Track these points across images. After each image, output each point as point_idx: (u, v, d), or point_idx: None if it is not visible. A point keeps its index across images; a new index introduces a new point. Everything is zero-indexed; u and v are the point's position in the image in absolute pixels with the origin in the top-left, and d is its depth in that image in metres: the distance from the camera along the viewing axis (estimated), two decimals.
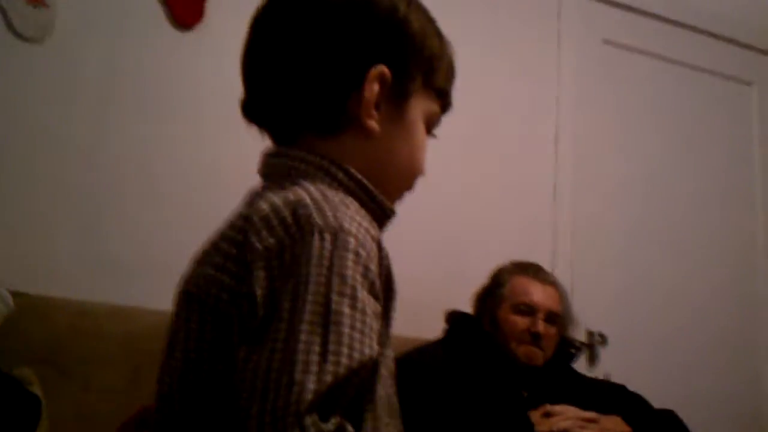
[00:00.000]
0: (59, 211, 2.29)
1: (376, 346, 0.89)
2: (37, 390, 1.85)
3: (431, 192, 2.65)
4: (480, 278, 2.36)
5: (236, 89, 1.08)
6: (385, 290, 0.95)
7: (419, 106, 1.07)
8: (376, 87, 1.01)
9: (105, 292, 2.22)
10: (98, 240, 2.31)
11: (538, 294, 2.22)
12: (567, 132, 2.99)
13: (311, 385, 0.82)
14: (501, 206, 2.84)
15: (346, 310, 0.87)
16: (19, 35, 2.30)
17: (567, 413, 2.00)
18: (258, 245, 0.91)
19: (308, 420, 0.81)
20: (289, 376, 0.83)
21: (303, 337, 0.84)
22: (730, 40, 3.38)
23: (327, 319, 0.86)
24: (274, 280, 0.89)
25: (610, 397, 2.18)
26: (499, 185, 2.86)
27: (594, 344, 2.88)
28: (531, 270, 2.28)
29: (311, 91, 1.02)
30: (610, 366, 2.67)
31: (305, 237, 0.89)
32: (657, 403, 2.21)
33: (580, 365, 2.55)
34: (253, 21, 1.07)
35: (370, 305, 0.90)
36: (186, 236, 2.26)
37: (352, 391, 0.87)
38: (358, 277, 0.89)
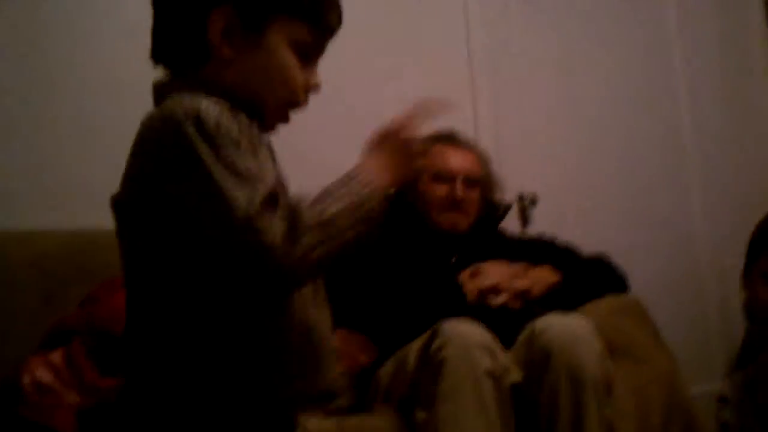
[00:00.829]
0: None
1: (270, 168, 1.16)
2: None
3: (351, 78, 2.63)
4: None
5: None
6: (251, 149, 1.17)
7: (280, 33, 1.28)
8: (218, 24, 1.26)
9: (7, 217, 2.12)
10: None
11: (454, 159, 2.16)
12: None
13: (251, 209, 1.07)
14: (417, 79, 2.75)
15: (233, 155, 1.12)
16: None
17: (494, 269, 1.97)
18: (149, 157, 1.18)
19: (267, 237, 1.07)
20: (231, 211, 1.08)
21: (223, 187, 1.09)
22: None
23: (227, 169, 1.11)
24: (172, 175, 1.14)
25: (539, 251, 2.16)
26: (412, 57, 2.76)
27: (525, 205, 2.85)
28: (446, 137, 2.22)
29: (177, 33, 1.29)
30: (542, 226, 2.64)
31: (177, 129, 1.14)
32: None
33: (514, 228, 2.52)
34: None
35: (252, 150, 1.15)
36: (84, 156, 2.24)
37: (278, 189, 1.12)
38: (226, 134, 1.13)
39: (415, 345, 1.70)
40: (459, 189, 2.12)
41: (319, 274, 1.25)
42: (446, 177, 2.14)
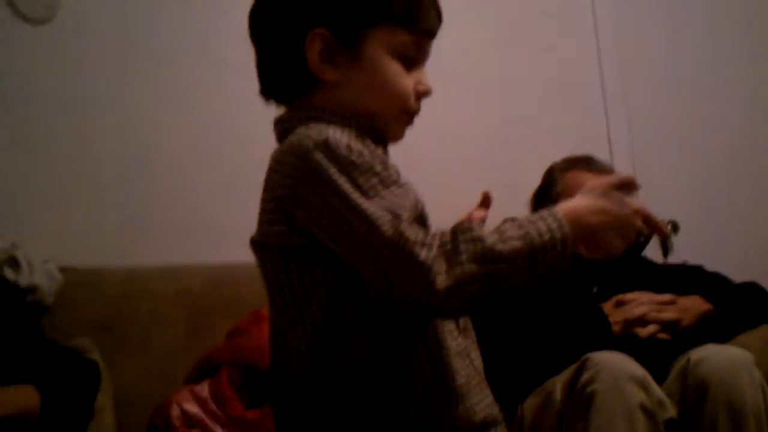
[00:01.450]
0: (97, 182, 2.27)
1: (410, 188, 1.11)
2: (95, 356, 1.83)
3: (477, 108, 2.62)
4: (535, 185, 2.27)
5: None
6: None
7: (378, 44, 1.23)
8: (315, 47, 1.21)
9: (153, 254, 2.19)
10: (139, 205, 2.28)
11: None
12: (605, 21, 2.82)
13: (403, 228, 1.02)
14: (549, 109, 2.71)
15: (374, 180, 1.08)
16: (25, 17, 2.26)
17: (641, 299, 1.90)
18: (284, 192, 1.13)
19: (422, 250, 1.00)
20: (384, 236, 1.02)
21: (368, 212, 1.04)
22: None
23: (370, 195, 1.07)
24: (314, 206, 1.10)
25: (687, 279, 2.07)
26: (543, 87, 2.72)
27: (666, 234, 2.74)
28: (582, 162, 2.16)
29: (279, 64, 1.26)
30: (685, 254, 2.53)
31: (309, 159, 1.10)
32: (739, 279, 2.09)
33: (655, 258, 2.42)
34: None
35: (389, 170, 1.12)
36: (224, 191, 2.30)
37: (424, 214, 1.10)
38: (359, 158, 1.10)
39: (562, 377, 1.65)
40: None
41: (469, 311, 1.19)
42: None
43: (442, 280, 0.99)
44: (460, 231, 1.03)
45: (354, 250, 1.09)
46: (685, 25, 2.96)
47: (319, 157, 1.10)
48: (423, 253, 1.00)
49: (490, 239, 1.01)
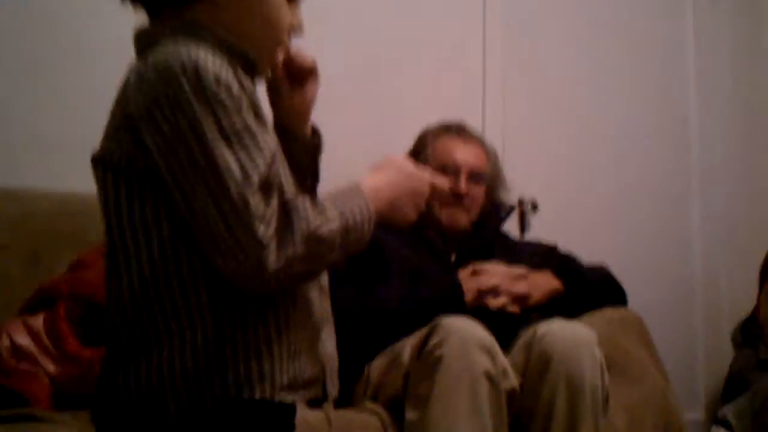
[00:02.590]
0: None
1: (270, 138, 1.10)
2: None
3: (355, 61, 2.58)
4: (409, 145, 2.26)
5: None
6: (252, 109, 1.11)
7: None
8: None
9: None
10: None
11: (460, 152, 2.10)
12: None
13: (249, 195, 1.01)
14: (428, 70, 2.70)
15: (236, 121, 1.05)
16: None
17: (495, 270, 1.92)
18: (137, 109, 1.07)
19: (260, 226, 1.01)
20: (230, 198, 1.01)
21: (220, 161, 1.02)
22: None
23: (228, 138, 1.04)
24: (164, 133, 1.05)
25: (541, 256, 2.11)
26: (425, 46, 2.71)
27: (525, 211, 2.80)
28: (454, 129, 2.16)
29: None
30: (540, 233, 2.59)
31: (172, 83, 1.05)
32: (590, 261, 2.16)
33: (512, 233, 2.47)
34: None
35: (250, 115, 1.08)
36: (75, 112, 2.17)
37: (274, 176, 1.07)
38: (227, 96, 1.06)
39: (412, 340, 1.65)
40: (463, 183, 2.06)
41: (291, 287, 1.17)
42: (451, 170, 2.08)
43: (273, 261, 1.02)
44: (293, 209, 1.06)
45: (192, 198, 1.05)
46: (567, 13, 3.02)
47: (184, 83, 1.05)
48: (261, 230, 1.01)
49: (316, 221, 1.07)
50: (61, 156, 2.09)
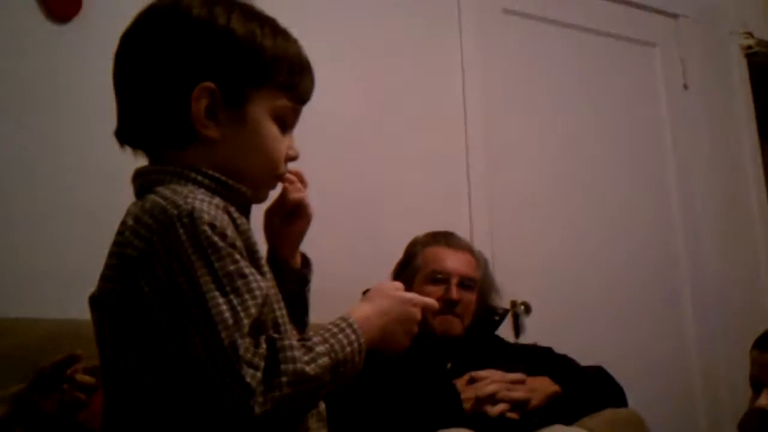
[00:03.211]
0: None
1: (262, 279, 1.10)
2: None
3: (343, 177, 2.63)
4: (398, 257, 2.28)
5: None
6: (247, 251, 1.13)
7: (261, 106, 1.22)
8: (202, 102, 1.17)
9: None
10: None
11: (450, 260, 2.13)
12: (474, 103, 2.92)
13: (239, 340, 1.01)
14: (414, 184, 2.75)
15: (230, 267, 1.06)
16: None
17: (493, 377, 1.92)
18: (133, 253, 1.09)
19: (249, 371, 1.01)
20: (221, 345, 1.01)
21: (212, 308, 1.03)
22: (630, 3, 3.37)
23: (221, 284, 1.05)
24: (159, 278, 1.07)
25: (536, 360, 2.12)
26: (410, 162, 2.77)
27: (518, 313, 2.81)
28: (443, 238, 2.20)
29: (155, 113, 1.19)
30: (535, 335, 2.60)
31: (168, 229, 1.07)
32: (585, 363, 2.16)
33: (507, 336, 2.48)
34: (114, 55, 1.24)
35: (244, 259, 1.09)
36: (73, 243, 2.19)
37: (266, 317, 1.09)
38: (222, 242, 1.07)
39: None
40: (454, 291, 2.08)
41: (283, 425, 1.11)
42: (442, 278, 2.10)
43: (260, 405, 1.01)
44: (279, 348, 1.05)
45: (183, 344, 1.05)
46: (549, 117, 3.10)
47: (180, 230, 1.07)
48: (249, 375, 1.01)
49: (304, 358, 1.06)
50: (51, 285, 2.10)
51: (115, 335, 1.14)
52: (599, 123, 3.21)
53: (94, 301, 1.17)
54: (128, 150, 1.25)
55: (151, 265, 1.08)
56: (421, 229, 2.30)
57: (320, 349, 1.09)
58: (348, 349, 1.11)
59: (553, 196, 3.03)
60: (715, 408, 3.12)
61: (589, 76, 3.24)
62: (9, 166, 2.18)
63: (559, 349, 2.22)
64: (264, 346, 1.04)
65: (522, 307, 2.83)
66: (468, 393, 1.88)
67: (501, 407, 1.88)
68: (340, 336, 1.12)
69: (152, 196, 1.12)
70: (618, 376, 2.14)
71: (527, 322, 2.84)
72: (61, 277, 2.12)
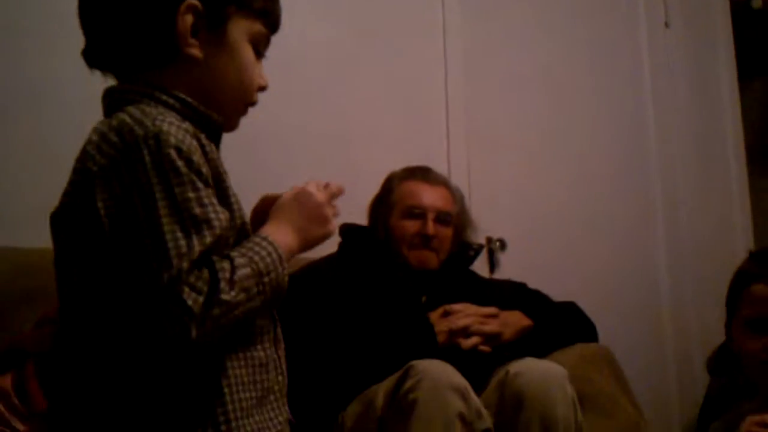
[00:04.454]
0: None
1: (222, 211, 1.10)
2: None
3: (320, 113, 2.60)
4: (375, 191, 2.27)
5: None
6: (214, 179, 1.13)
7: (240, 29, 1.23)
8: (188, 18, 1.17)
9: None
10: None
11: (426, 195, 2.12)
12: (454, 35, 2.88)
13: (185, 265, 1.03)
14: (392, 118, 2.73)
15: (190, 194, 1.07)
16: None
17: (466, 311, 1.93)
18: (94, 168, 1.08)
19: (185, 286, 1.03)
20: (167, 268, 1.03)
21: (167, 230, 1.04)
22: None
23: (178, 209, 1.06)
24: (115, 195, 1.07)
25: (510, 294, 2.13)
26: (388, 97, 2.74)
27: (493, 249, 2.83)
28: (419, 173, 2.18)
29: (137, 30, 1.18)
30: (510, 272, 2.62)
31: (133, 149, 1.07)
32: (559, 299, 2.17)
33: (481, 272, 2.49)
34: None
35: (208, 188, 1.10)
36: (32, 168, 2.15)
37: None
38: (185, 167, 1.07)
39: (384, 385, 1.65)
40: (430, 225, 2.08)
41: (220, 337, 1.15)
42: (418, 213, 2.10)
43: (195, 330, 1.03)
44: (219, 270, 1.06)
45: (130, 262, 1.06)
46: (530, 48, 3.07)
47: (143, 150, 1.07)
48: (191, 300, 1.03)
49: (226, 272, 1.07)
50: (17, 213, 2.08)
51: (68, 252, 1.15)
52: (578, 57, 3.18)
53: (54, 218, 1.17)
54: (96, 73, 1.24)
55: (110, 181, 1.08)
56: (398, 165, 2.29)
57: (239, 261, 1.10)
58: (268, 259, 1.13)
59: (532, 132, 3.01)
60: (684, 346, 3.17)
61: (570, 9, 3.19)
62: None
63: (533, 285, 2.23)
64: (206, 271, 1.06)
65: (497, 243, 2.84)
66: (441, 326, 1.89)
67: (473, 340, 1.89)
68: (258, 248, 1.13)
69: (121, 115, 1.12)
70: (589, 312, 2.16)
71: (502, 258, 2.85)
72: (26, 207, 2.09)
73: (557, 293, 2.20)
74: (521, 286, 2.22)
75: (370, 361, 1.79)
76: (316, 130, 2.55)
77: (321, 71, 2.62)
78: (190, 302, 1.02)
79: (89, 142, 1.13)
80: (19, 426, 1.58)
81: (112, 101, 1.21)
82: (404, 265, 2.06)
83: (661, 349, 3.17)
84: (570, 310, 2.11)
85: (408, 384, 1.56)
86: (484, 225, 2.42)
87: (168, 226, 1.05)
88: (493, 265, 2.83)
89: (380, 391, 1.64)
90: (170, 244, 1.04)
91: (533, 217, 2.95)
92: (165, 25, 1.17)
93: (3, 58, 2.18)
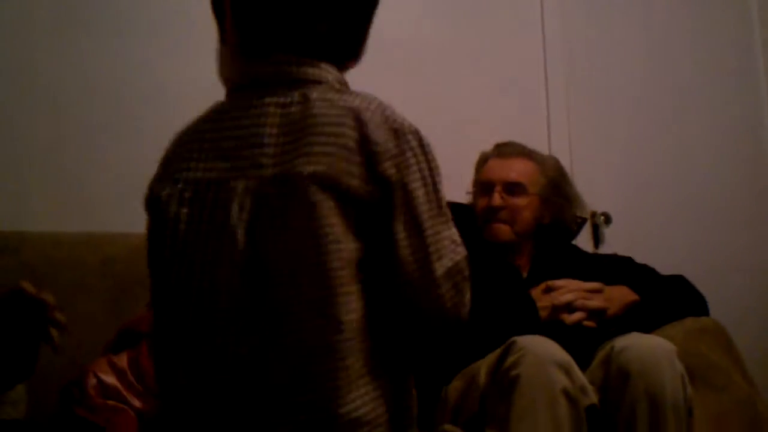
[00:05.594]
0: (24, 147, 2.20)
1: None
2: None
3: (416, 90, 2.61)
4: None
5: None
6: None
7: None
8: None
9: (79, 222, 2.13)
10: (65, 171, 2.22)
11: (494, 169, 2.09)
12: (553, 8, 2.83)
13: (448, 262, 1.17)
14: (492, 94, 2.71)
15: (442, 196, 1.20)
16: None
17: (569, 286, 1.90)
18: (381, 143, 1.14)
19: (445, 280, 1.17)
20: (431, 264, 1.15)
21: (437, 226, 1.17)
22: None
23: (443, 210, 1.19)
24: (401, 173, 1.14)
25: (616, 269, 2.07)
26: (488, 72, 2.72)
27: (598, 224, 2.77)
28: (497, 148, 2.15)
29: (355, 30, 1.28)
30: (615, 246, 2.56)
31: (407, 137, 1.17)
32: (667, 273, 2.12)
33: (586, 247, 2.45)
34: None
35: None
36: (151, 156, 2.23)
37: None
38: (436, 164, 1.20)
39: (487, 361, 1.65)
40: (495, 197, 2.03)
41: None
42: (485, 188, 2.08)
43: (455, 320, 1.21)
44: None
45: (412, 254, 1.15)
46: (627, 30, 2.98)
47: (416, 144, 1.18)
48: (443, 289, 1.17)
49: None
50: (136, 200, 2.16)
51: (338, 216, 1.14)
52: (684, 25, 3.07)
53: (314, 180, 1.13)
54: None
55: (397, 163, 1.15)
56: (498, 139, 2.26)
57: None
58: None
59: (635, 103, 2.93)
60: None
61: None
62: (91, 87, 2.25)
63: (640, 260, 2.18)
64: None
65: (602, 217, 2.78)
66: (544, 301, 1.87)
67: (577, 315, 1.87)
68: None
69: (361, 95, 1.20)
70: (699, 286, 2.09)
71: (607, 233, 2.80)
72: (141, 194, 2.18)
73: (664, 267, 2.14)
74: (627, 260, 2.16)
75: (473, 337, 1.79)
76: (412, 110, 2.54)
77: (423, 59, 2.63)
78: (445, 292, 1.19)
79: (359, 110, 1.16)
80: (136, 402, 1.66)
81: (304, 74, 1.23)
82: (486, 240, 2.04)
83: None
84: (678, 284, 2.04)
85: (510, 360, 1.55)
86: (588, 200, 2.38)
87: (445, 231, 1.20)
88: (597, 239, 2.78)
89: (482, 366, 1.64)
90: (446, 245, 1.21)
91: (639, 189, 2.88)
92: (368, 28, 1.30)
93: (131, 58, 2.28)
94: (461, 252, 1.20)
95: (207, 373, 1.15)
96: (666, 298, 1.98)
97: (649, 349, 1.62)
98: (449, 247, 1.18)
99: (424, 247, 1.15)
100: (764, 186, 3.13)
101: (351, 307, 1.12)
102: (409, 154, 1.16)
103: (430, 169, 1.18)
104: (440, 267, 1.16)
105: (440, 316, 1.18)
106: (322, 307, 1.11)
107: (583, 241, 2.52)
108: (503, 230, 2.04)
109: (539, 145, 2.33)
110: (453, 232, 1.20)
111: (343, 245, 1.12)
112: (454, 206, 2.08)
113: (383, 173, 1.13)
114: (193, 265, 1.17)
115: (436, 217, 1.17)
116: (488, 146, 2.25)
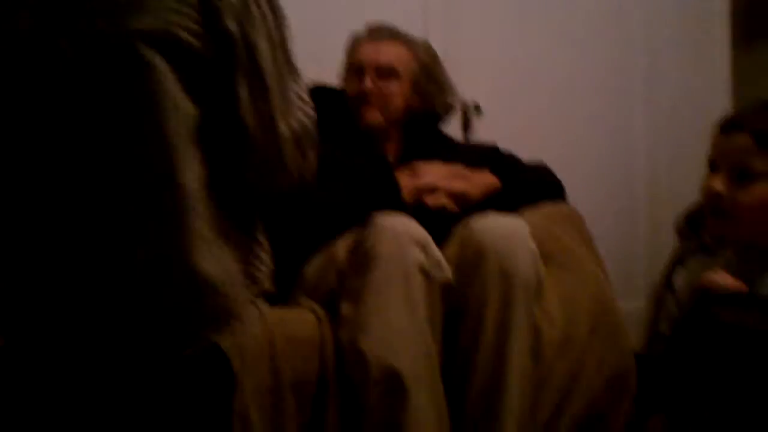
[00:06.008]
0: None
1: None
2: None
3: None
4: None
5: None
6: None
7: None
8: None
9: None
10: None
11: (365, 51, 2.06)
12: None
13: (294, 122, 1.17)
14: None
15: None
16: None
17: (433, 169, 1.92)
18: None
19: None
20: (275, 123, 1.15)
21: (284, 83, 1.15)
22: None
23: (292, 66, 1.18)
24: (245, 29, 1.11)
25: (481, 156, 2.10)
26: None
27: (468, 113, 2.79)
28: (368, 30, 2.11)
29: None
30: (486, 137, 2.59)
31: None
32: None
33: (454, 134, 2.47)
34: None
35: None
36: None
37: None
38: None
39: (346, 239, 1.66)
40: (366, 81, 2.01)
41: None
42: (356, 70, 2.05)
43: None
44: None
45: (255, 112, 1.15)
46: None
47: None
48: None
49: None
50: None
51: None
52: None
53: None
54: None
55: (239, 18, 1.13)
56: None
57: None
58: None
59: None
60: (655, 211, 3.18)
61: None
62: None
63: (507, 149, 2.21)
64: None
65: (473, 107, 2.80)
66: (407, 183, 1.89)
67: (440, 198, 1.89)
68: None
69: None
70: (562, 177, 2.15)
71: (478, 124, 2.83)
72: None
73: (530, 158, 2.19)
74: (493, 149, 2.19)
75: (334, 216, 1.79)
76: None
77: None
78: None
79: None
80: None
81: None
82: (358, 123, 2.03)
83: (632, 214, 3.18)
84: (538, 170, 2.09)
85: (368, 237, 1.56)
86: (462, 89, 2.38)
87: (289, 82, 1.21)
88: (467, 128, 2.81)
89: (341, 244, 1.65)
90: (299, 93, 1.25)
91: (511, 81, 2.90)
92: None
93: None
94: (309, 112, 1.18)
95: (46, 240, 1.12)
96: (525, 183, 2.03)
97: (504, 228, 1.66)
98: (296, 104, 1.16)
99: (267, 105, 1.13)
100: (632, 82, 3.20)
101: (191, 174, 1.10)
102: (254, 8, 1.12)
103: (277, 23, 1.15)
104: (285, 127, 1.14)
105: (284, 178, 1.17)
106: (161, 171, 1.08)
107: (453, 129, 2.53)
108: (373, 114, 2.03)
109: (414, 29, 2.30)
110: (300, 88, 1.18)
111: (181, 110, 1.09)
112: (324, 90, 2.08)
113: (226, 29, 1.10)
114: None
115: (282, 74, 1.15)
116: (360, 27, 2.22)
